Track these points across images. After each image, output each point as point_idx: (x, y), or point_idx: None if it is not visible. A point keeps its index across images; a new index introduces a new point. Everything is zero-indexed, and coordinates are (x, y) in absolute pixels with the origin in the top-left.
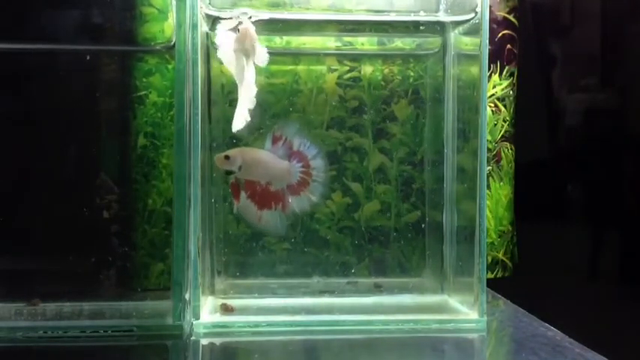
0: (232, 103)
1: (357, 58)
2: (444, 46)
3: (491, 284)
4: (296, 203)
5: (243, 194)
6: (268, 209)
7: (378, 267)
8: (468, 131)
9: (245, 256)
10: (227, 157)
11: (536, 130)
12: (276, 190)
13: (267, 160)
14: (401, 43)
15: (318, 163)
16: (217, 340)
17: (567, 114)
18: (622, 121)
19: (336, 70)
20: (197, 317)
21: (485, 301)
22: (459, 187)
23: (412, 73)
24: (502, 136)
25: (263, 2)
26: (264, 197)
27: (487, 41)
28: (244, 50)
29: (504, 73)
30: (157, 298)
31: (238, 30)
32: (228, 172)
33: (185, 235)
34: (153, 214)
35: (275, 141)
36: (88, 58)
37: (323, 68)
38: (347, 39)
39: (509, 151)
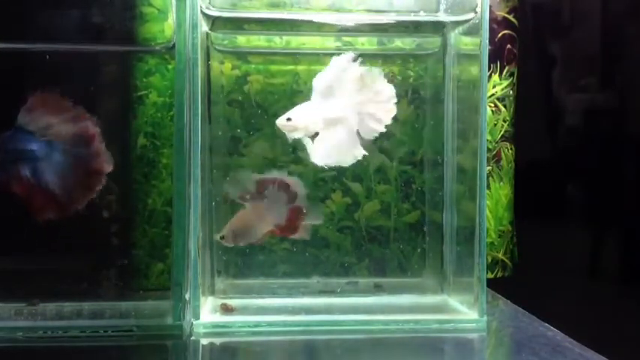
0: (232, 103)
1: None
2: (444, 46)
3: (491, 284)
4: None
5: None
6: (296, 231)
7: (378, 267)
8: (467, 131)
9: (245, 256)
10: (222, 238)
11: (536, 130)
12: (289, 218)
13: (257, 214)
14: (401, 43)
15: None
16: (217, 340)
17: (567, 114)
18: (622, 121)
19: None
20: (197, 317)
21: (485, 301)
22: (458, 187)
23: (412, 73)
24: (502, 136)
25: (263, 2)
26: (286, 229)
27: (487, 41)
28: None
29: (504, 73)
30: (157, 298)
31: None
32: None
33: (185, 235)
34: (153, 214)
35: (259, 191)
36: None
37: (323, 68)
38: (347, 39)
39: (509, 151)
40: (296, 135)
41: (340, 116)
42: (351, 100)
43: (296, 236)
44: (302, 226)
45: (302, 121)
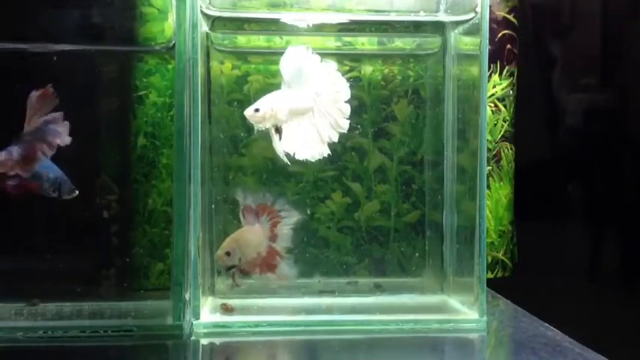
0: (232, 103)
1: (357, 58)
2: (444, 46)
3: (491, 284)
4: (281, 240)
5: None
6: (273, 269)
7: (378, 267)
8: (467, 131)
9: None
10: (228, 254)
11: (536, 130)
12: (267, 250)
13: (251, 233)
14: (401, 43)
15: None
16: (217, 340)
17: (567, 114)
18: (622, 121)
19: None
20: (197, 317)
21: (485, 301)
22: (459, 187)
23: (412, 73)
24: (502, 136)
25: (263, 2)
26: (266, 262)
27: (487, 41)
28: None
29: (504, 73)
30: (157, 298)
31: None
32: (230, 268)
33: (185, 235)
34: (153, 214)
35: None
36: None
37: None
38: (347, 39)
39: (509, 151)
40: (264, 126)
41: (308, 107)
42: (318, 92)
43: (275, 273)
44: (278, 267)
45: (270, 112)
